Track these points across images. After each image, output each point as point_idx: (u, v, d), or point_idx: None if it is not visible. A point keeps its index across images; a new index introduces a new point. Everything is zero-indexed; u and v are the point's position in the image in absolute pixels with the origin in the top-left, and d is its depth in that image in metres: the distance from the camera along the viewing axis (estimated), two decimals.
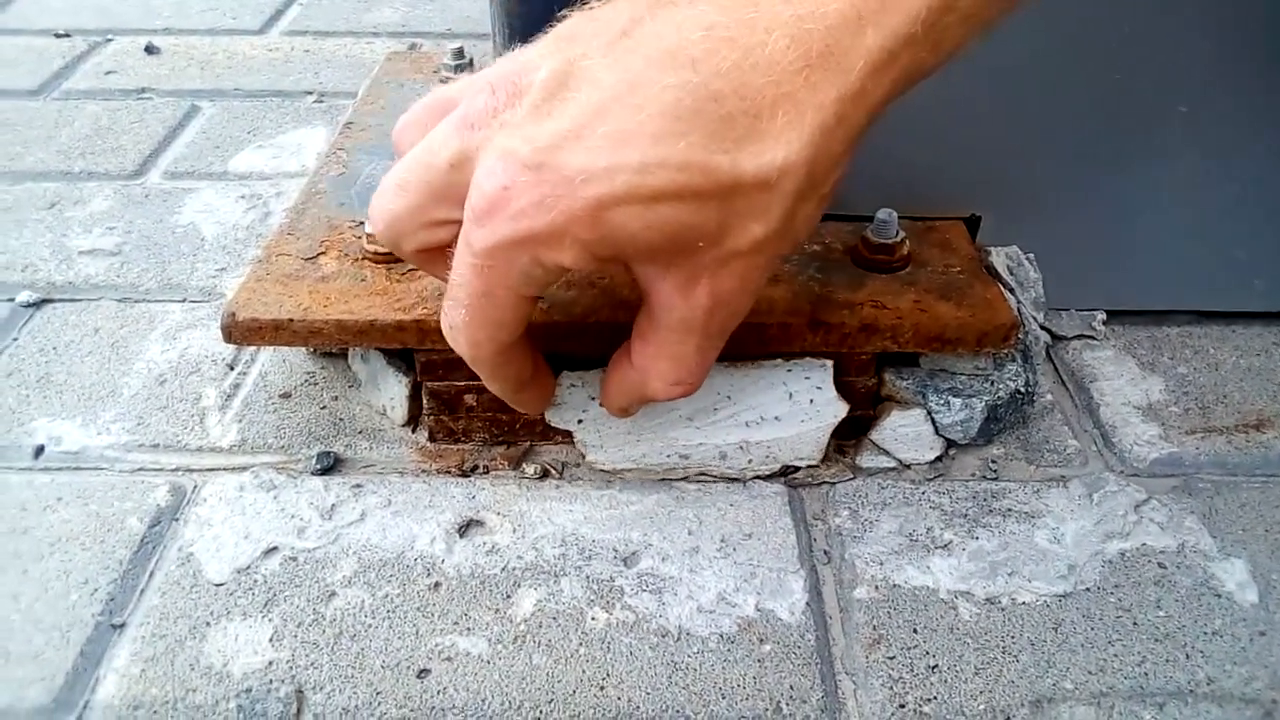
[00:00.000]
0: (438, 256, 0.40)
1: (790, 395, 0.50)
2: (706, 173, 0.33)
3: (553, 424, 0.51)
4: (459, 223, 0.37)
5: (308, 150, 0.79)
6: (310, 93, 0.89)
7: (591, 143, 0.33)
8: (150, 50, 0.95)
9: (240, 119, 0.84)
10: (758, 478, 0.51)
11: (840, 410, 0.50)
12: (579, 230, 0.34)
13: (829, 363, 0.49)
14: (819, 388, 0.50)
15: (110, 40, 0.99)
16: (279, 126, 0.83)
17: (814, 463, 0.51)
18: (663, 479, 0.51)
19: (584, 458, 0.51)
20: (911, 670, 0.42)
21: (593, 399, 0.50)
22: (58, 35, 0.99)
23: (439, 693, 0.41)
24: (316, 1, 1.09)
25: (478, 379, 0.49)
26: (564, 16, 0.37)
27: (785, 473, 0.51)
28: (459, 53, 0.72)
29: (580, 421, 0.50)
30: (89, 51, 0.96)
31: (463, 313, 0.38)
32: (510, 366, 0.42)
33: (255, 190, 0.74)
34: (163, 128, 0.83)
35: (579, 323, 0.48)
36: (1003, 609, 0.44)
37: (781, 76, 0.33)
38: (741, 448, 0.50)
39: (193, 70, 0.93)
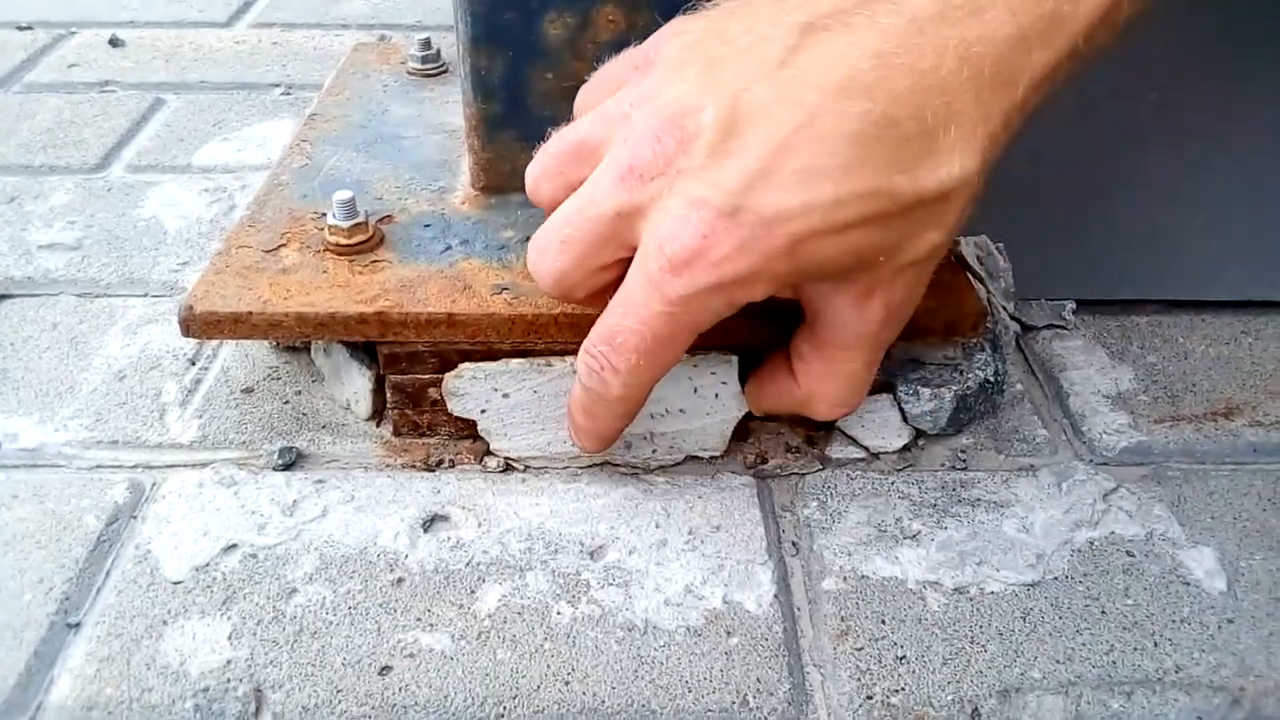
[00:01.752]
0: (603, 298, 0.40)
1: (695, 389, 0.49)
2: (892, 195, 0.35)
3: (455, 413, 0.50)
4: (624, 262, 0.38)
5: (274, 143, 0.78)
6: (277, 85, 0.88)
7: (782, 180, 0.34)
8: (114, 43, 0.94)
9: (205, 112, 0.83)
10: (661, 467, 0.50)
11: (744, 404, 0.50)
12: (777, 266, 0.35)
13: (734, 357, 0.49)
14: (724, 382, 0.49)
15: (74, 33, 0.97)
16: (245, 119, 0.82)
17: (717, 453, 0.51)
18: (626, 473, 0.50)
19: (489, 447, 0.51)
20: (879, 661, 0.41)
21: (495, 390, 0.49)
22: (20, 28, 0.97)
23: (401, 690, 0.40)
24: None
25: (442, 372, 0.49)
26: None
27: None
28: (426, 43, 0.72)
29: (484, 412, 0.50)
30: (52, 44, 0.95)
31: (632, 359, 0.38)
32: (640, 405, 0.43)
33: (219, 183, 0.73)
34: (126, 121, 0.81)
35: (545, 315, 0.47)
36: (971, 599, 0.44)
37: (954, 96, 0.34)
38: (646, 438, 0.50)
39: (158, 63, 0.91)
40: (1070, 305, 0.60)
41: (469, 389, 0.49)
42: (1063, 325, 0.60)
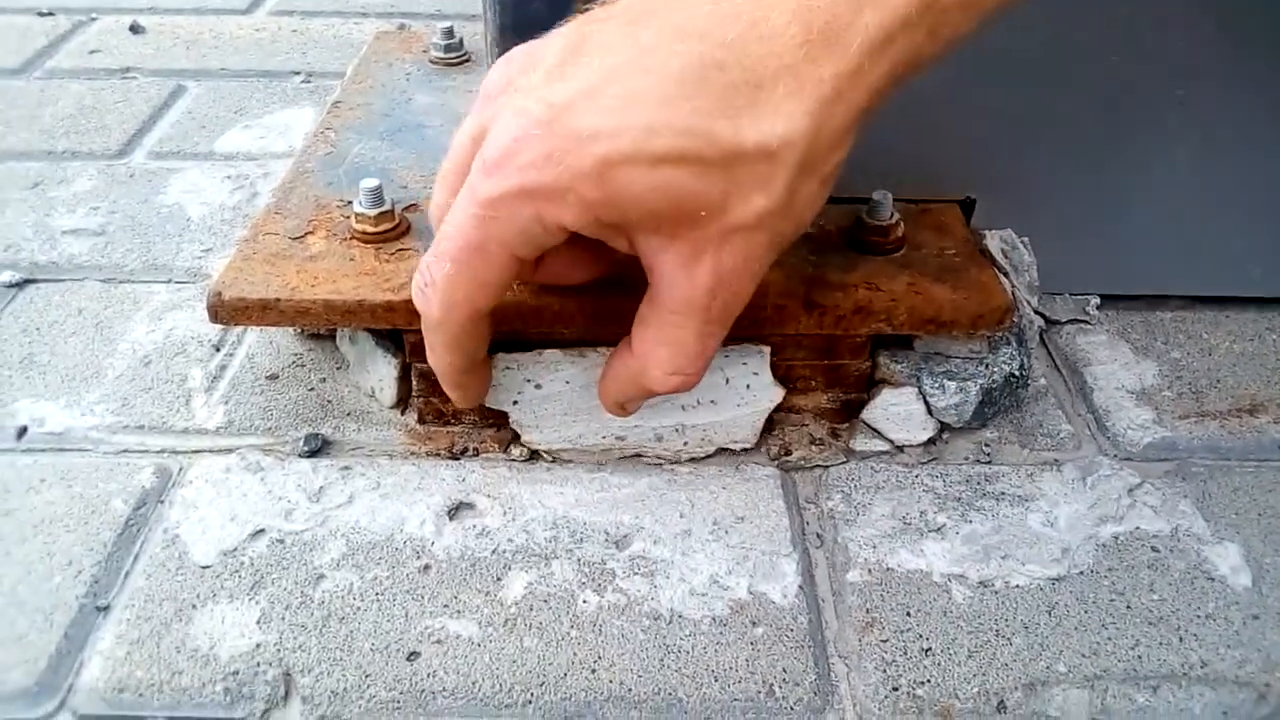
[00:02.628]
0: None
1: (727, 380, 0.49)
2: (709, 138, 0.34)
3: (488, 405, 0.50)
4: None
5: (295, 130, 0.78)
6: (298, 73, 0.88)
7: (601, 103, 0.34)
8: (135, 29, 0.94)
9: (226, 99, 0.83)
10: (693, 459, 0.51)
11: (776, 395, 0.50)
12: (584, 187, 0.34)
13: (766, 349, 0.49)
14: (755, 373, 0.49)
15: (94, 19, 0.97)
16: (266, 107, 0.82)
17: (748, 445, 0.51)
18: (651, 463, 0.50)
19: (519, 438, 0.51)
20: (905, 653, 0.42)
21: (528, 381, 0.49)
22: (41, 14, 0.97)
23: (429, 675, 0.40)
24: None
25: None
26: None
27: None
28: (449, 32, 0.72)
29: (515, 403, 0.50)
30: (73, 30, 0.95)
31: (448, 266, 0.38)
32: (472, 340, 0.42)
33: (242, 171, 0.73)
34: (148, 107, 0.81)
35: (571, 303, 0.47)
36: (996, 592, 0.44)
37: (783, 49, 0.34)
38: (677, 430, 0.50)
39: (178, 50, 0.91)
40: (1094, 300, 0.60)
41: (501, 379, 0.49)
42: (1086, 320, 0.60)
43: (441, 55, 0.71)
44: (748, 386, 0.50)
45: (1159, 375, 0.56)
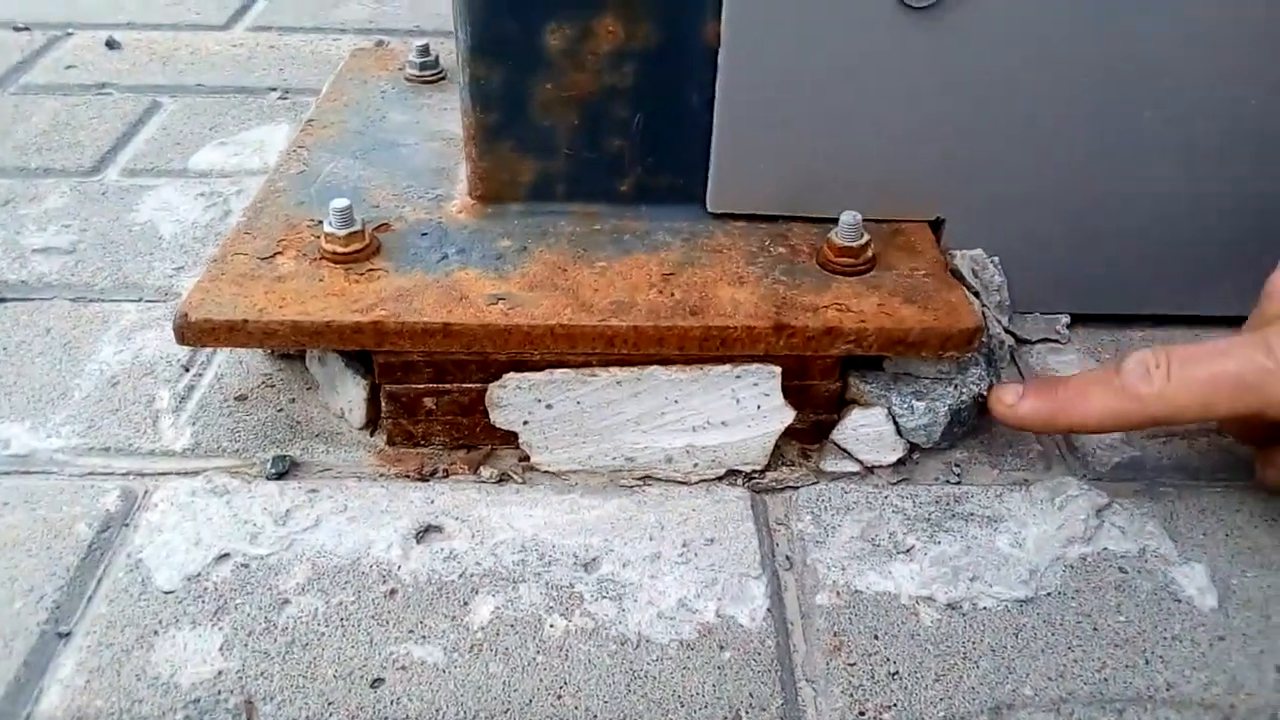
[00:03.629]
0: None
1: (738, 401, 0.49)
2: None
3: (497, 424, 0.50)
4: None
5: (270, 148, 0.78)
6: (274, 89, 0.88)
7: None
8: (111, 45, 0.94)
9: (202, 115, 0.83)
10: (704, 480, 0.50)
11: (787, 416, 0.50)
12: None
13: (777, 369, 0.49)
14: (766, 394, 0.49)
15: (71, 34, 0.97)
16: (242, 123, 0.82)
17: (759, 467, 0.51)
18: (622, 484, 0.50)
19: (529, 459, 0.51)
20: (872, 677, 0.41)
21: (539, 401, 0.49)
22: (16, 28, 0.97)
23: (392, 703, 0.40)
24: None
25: (437, 382, 0.49)
26: None
27: (730, 477, 0.51)
28: (424, 50, 0.72)
29: (526, 423, 0.50)
30: (48, 45, 0.95)
31: (1196, 371, 0.43)
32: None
33: (215, 188, 0.73)
34: (122, 124, 0.81)
35: (540, 325, 0.47)
36: (964, 614, 0.44)
37: None
38: (688, 451, 0.50)
39: (154, 65, 0.91)
40: (1064, 319, 0.60)
41: (512, 399, 0.49)
42: (1057, 339, 0.60)
43: (417, 73, 0.71)
44: (758, 407, 0.50)
45: None
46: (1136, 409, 0.44)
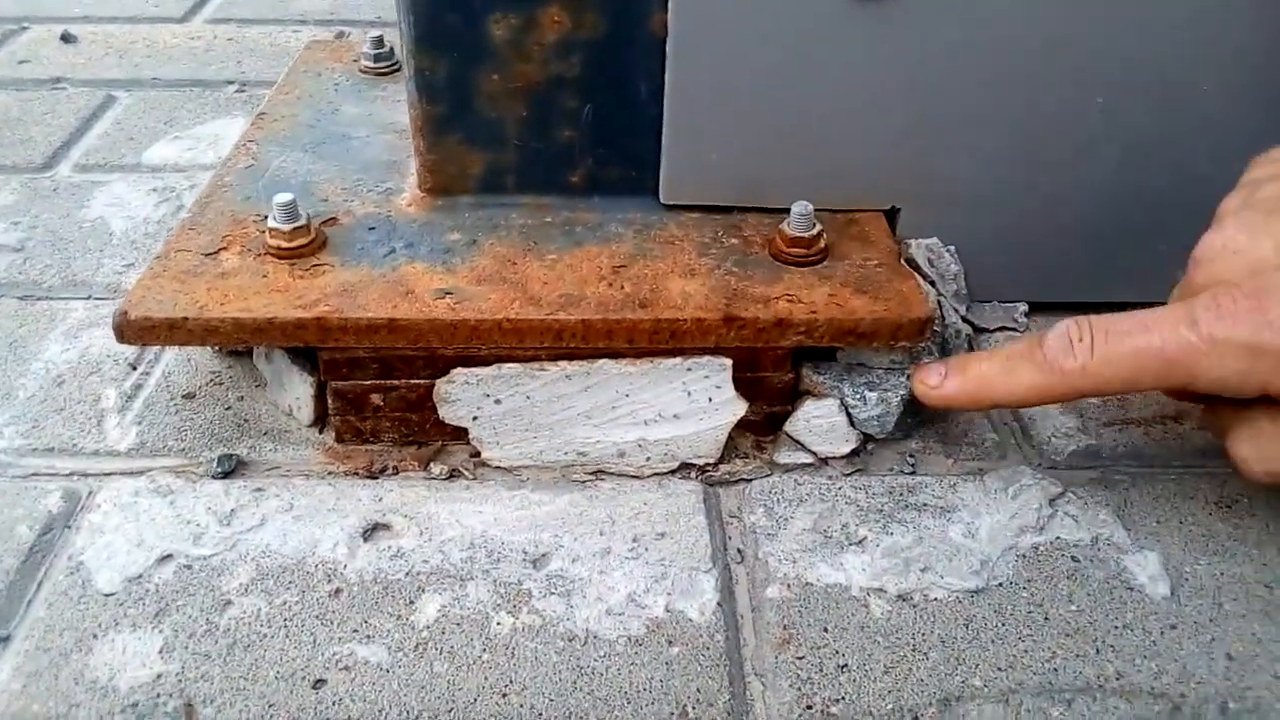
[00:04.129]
0: None
1: (689, 394, 0.49)
2: None
3: (446, 420, 0.49)
4: None
5: (225, 141, 0.77)
6: (231, 82, 0.87)
7: None
8: (66, 39, 0.92)
9: (157, 109, 0.82)
10: (656, 474, 0.50)
11: (739, 409, 0.49)
12: None
13: (728, 361, 0.48)
14: (718, 386, 0.49)
15: (26, 29, 0.95)
16: (197, 117, 0.81)
17: (712, 460, 0.50)
18: (574, 479, 0.50)
19: (479, 455, 0.50)
20: (821, 670, 0.41)
21: (487, 396, 0.48)
22: None
23: (334, 704, 0.39)
24: None
25: (384, 378, 0.48)
26: None
27: (684, 470, 0.50)
28: (378, 41, 0.71)
29: (475, 419, 0.49)
30: (3, 40, 0.93)
31: (1121, 344, 0.42)
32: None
33: (168, 183, 0.72)
34: (75, 119, 0.80)
35: (488, 319, 0.47)
36: (915, 606, 0.44)
37: None
38: (640, 445, 0.50)
39: (110, 59, 0.90)
40: (1023, 307, 0.60)
41: (460, 395, 0.49)
42: (1015, 328, 0.60)
43: (371, 65, 0.70)
44: (710, 400, 0.49)
45: None
46: (1060, 383, 0.43)
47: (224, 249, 0.51)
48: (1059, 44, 0.51)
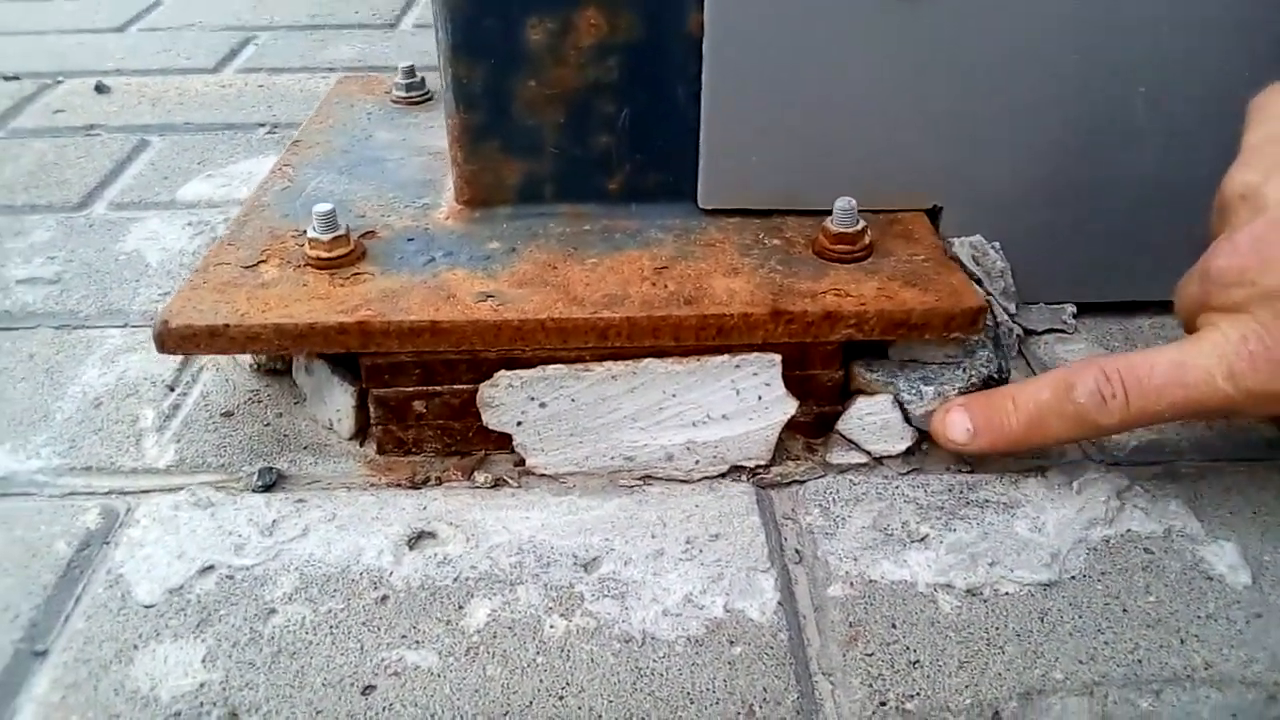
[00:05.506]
0: None
1: (738, 392, 0.48)
2: None
3: (490, 426, 0.48)
4: None
5: (259, 178, 0.77)
6: (263, 124, 0.87)
7: None
8: (100, 89, 0.94)
9: (190, 151, 0.82)
10: (706, 478, 0.48)
11: (790, 407, 0.48)
12: None
13: (777, 357, 0.47)
14: (767, 384, 0.47)
15: (61, 82, 0.97)
16: (230, 157, 0.82)
17: (763, 463, 0.49)
18: (621, 484, 0.48)
19: (523, 462, 0.49)
20: (892, 666, 0.39)
21: (532, 399, 0.47)
22: (6, 78, 0.97)
23: (385, 709, 0.38)
24: (273, 41, 1.08)
25: (426, 384, 0.48)
26: None
27: (734, 473, 0.49)
28: (409, 71, 0.72)
29: (520, 424, 0.48)
30: (38, 92, 0.95)
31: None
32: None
33: (203, 218, 0.72)
34: (110, 161, 0.81)
35: (531, 319, 0.46)
36: (985, 600, 0.42)
37: None
38: (688, 448, 0.48)
39: (143, 107, 0.91)
40: (1071, 309, 0.59)
41: (504, 399, 0.48)
42: (1064, 329, 0.58)
43: (403, 94, 0.71)
44: (759, 399, 0.48)
45: None
46: (1094, 435, 0.46)
47: (263, 261, 0.51)
48: (1099, 36, 0.51)
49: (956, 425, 0.46)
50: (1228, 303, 0.41)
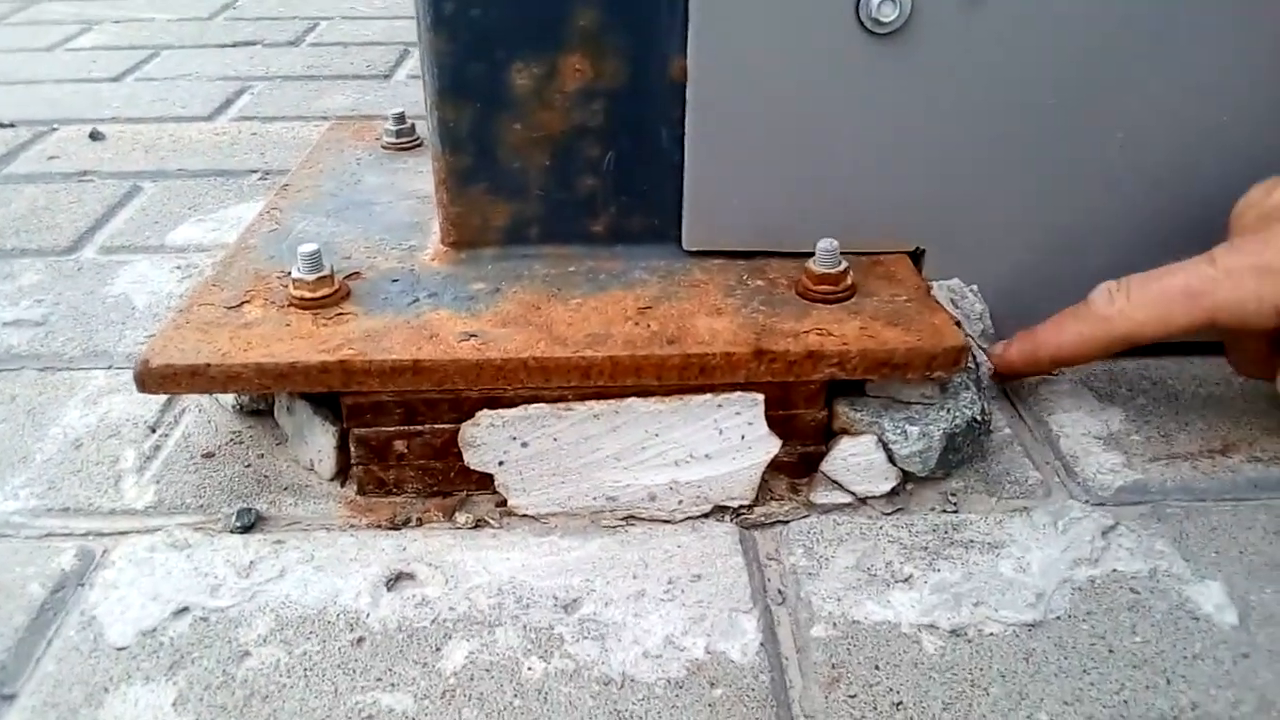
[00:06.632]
0: None
1: (720, 431, 0.47)
2: None
3: (472, 466, 0.48)
4: None
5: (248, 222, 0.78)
6: (255, 171, 0.88)
7: None
8: (95, 136, 0.95)
9: (181, 196, 0.83)
10: (689, 518, 0.48)
11: (773, 446, 0.48)
12: None
13: (760, 397, 0.47)
14: (750, 423, 0.47)
15: (56, 129, 0.98)
16: (221, 202, 0.82)
17: (746, 503, 0.49)
18: (604, 525, 0.48)
19: (505, 502, 0.48)
20: (875, 708, 0.39)
21: (514, 439, 0.47)
22: (2, 125, 0.98)
23: None
24: (268, 90, 1.10)
25: (408, 423, 0.47)
26: None
27: (717, 513, 0.49)
28: (400, 117, 0.72)
29: (502, 463, 0.48)
30: (33, 139, 0.96)
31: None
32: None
33: (191, 261, 0.73)
34: (101, 206, 0.81)
35: (514, 358, 0.46)
36: (969, 641, 0.41)
37: None
38: (671, 488, 0.48)
39: (137, 153, 0.92)
40: None
41: (486, 438, 0.47)
42: (1047, 371, 0.58)
43: (393, 140, 0.72)
44: (742, 437, 0.48)
45: (1126, 420, 0.54)
46: (1104, 330, 0.49)
47: (247, 302, 0.51)
48: (1079, 81, 0.51)
49: (997, 345, 0.54)
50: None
